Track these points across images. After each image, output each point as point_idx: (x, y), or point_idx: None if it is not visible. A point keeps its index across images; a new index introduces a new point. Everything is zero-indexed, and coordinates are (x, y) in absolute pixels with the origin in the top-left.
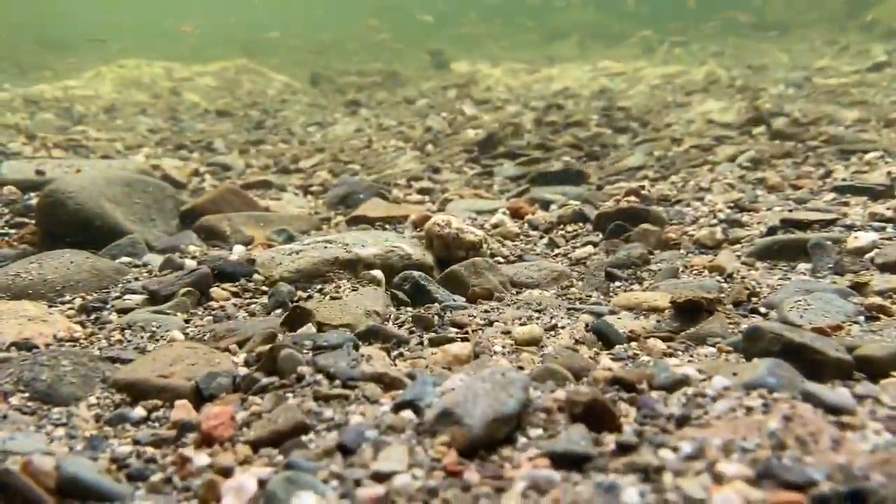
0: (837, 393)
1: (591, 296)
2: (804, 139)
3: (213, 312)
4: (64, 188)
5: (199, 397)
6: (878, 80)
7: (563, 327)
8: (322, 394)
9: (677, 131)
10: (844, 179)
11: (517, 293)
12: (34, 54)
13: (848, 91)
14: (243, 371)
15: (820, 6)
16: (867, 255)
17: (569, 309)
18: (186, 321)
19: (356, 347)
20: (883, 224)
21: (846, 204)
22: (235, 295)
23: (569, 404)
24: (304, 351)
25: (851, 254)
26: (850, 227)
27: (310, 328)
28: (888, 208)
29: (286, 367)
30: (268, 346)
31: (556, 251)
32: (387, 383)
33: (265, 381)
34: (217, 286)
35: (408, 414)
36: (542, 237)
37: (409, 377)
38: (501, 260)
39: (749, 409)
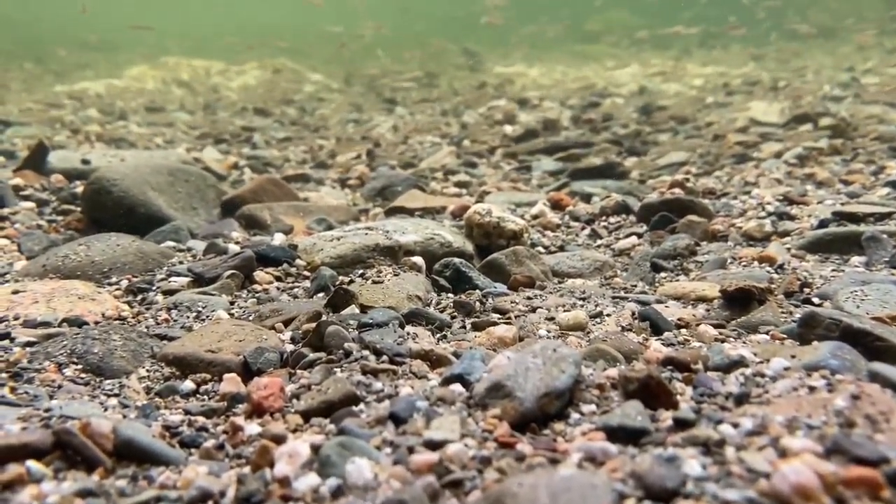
0: None
1: (636, 286)
2: (853, 137)
3: (257, 295)
4: (109, 176)
5: (248, 371)
6: None
7: (608, 315)
8: (370, 368)
9: (719, 129)
10: None
11: (559, 282)
12: (76, 54)
13: None
14: (290, 348)
15: (860, 11)
16: None
17: (613, 297)
18: (231, 303)
19: (402, 325)
20: None
21: None
22: (278, 279)
23: (622, 381)
24: (351, 329)
25: None
26: None
27: (353, 310)
28: None
29: (333, 342)
30: (314, 324)
31: (599, 242)
32: (433, 360)
33: (312, 356)
34: (260, 270)
35: (457, 387)
36: (583, 228)
37: (455, 356)
38: (542, 250)
39: (812, 389)
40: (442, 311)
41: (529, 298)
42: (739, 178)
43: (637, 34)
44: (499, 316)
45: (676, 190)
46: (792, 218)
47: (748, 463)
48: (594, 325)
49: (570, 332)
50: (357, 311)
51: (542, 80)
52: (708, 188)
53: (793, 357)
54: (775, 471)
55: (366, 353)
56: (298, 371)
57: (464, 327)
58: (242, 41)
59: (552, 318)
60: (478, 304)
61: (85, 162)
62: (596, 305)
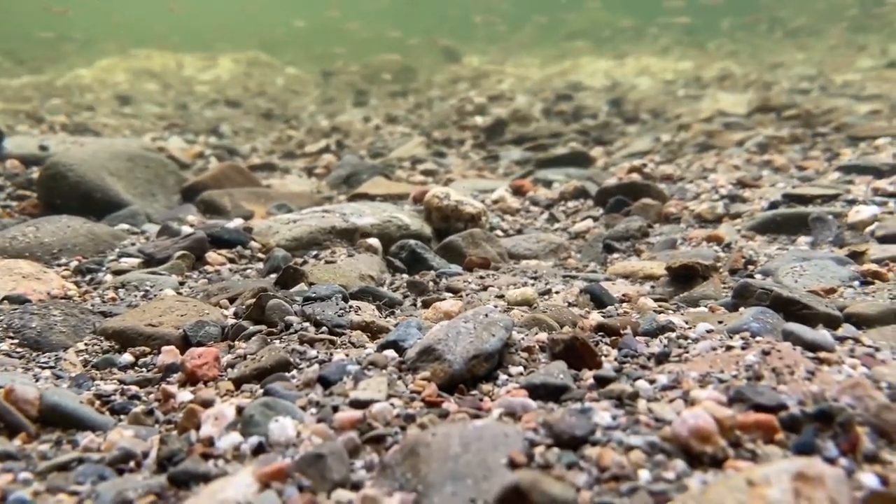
0: (817, 332)
1: (587, 266)
2: (814, 126)
3: (208, 275)
4: (65, 161)
5: (188, 344)
6: (894, 77)
7: (557, 292)
8: (308, 337)
9: (686, 120)
10: (850, 160)
11: (515, 263)
12: (46, 46)
13: (863, 86)
14: (232, 322)
15: (836, 10)
16: (868, 229)
17: (564, 276)
18: (181, 283)
19: (345, 299)
20: (885, 199)
21: (850, 182)
22: (231, 261)
23: (550, 343)
24: (295, 304)
25: (852, 227)
26: (853, 202)
27: (302, 287)
28: (890, 184)
29: (274, 315)
30: (256, 297)
31: (556, 225)
32: (374, 331)
33: (253, 328)
34: (213, 251)
35: (390, 353)
36: (542, 212)
37: (403, 322)
38: (500, 233)
39: (729, 348)
40: (395, 291)
41: (482, 278)
42: (699, 164)
43: (615, 29)
44: (450, 294)
45: (634, 175)
46: (744, 200)
47: (656, 413)
48: (542, 301)
49: (517, 307)
50: (306, 288)
51: (518, 74)
52: (666, 174)
53: (720, 323)
54: (679, 418)
55: (306, 324)
56: (237, 343)
57: (414, 305)
58: (219, 34)
59: (502, 296)
60: (431, 283)
61: (42, 148)
62: (546, 284)
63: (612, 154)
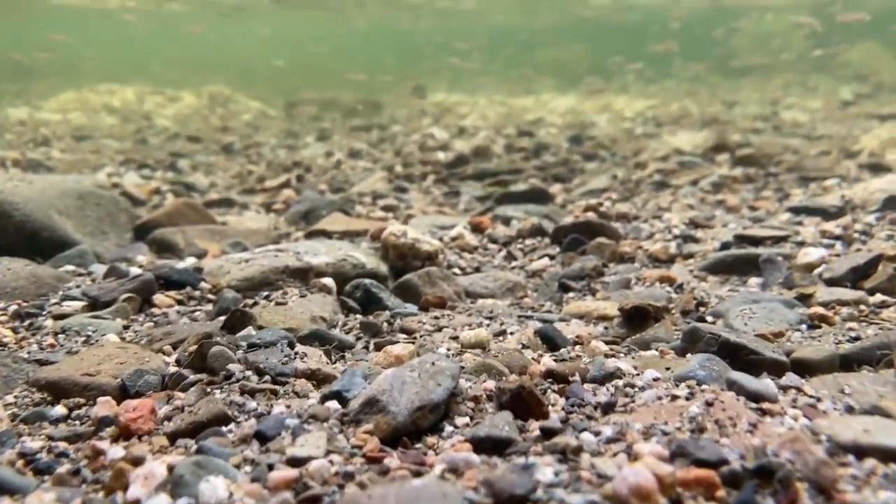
0: (761, 382)
1: (543, 305)
2: (766, 167)
3: (155, 318)
4: (10, 199)
5: (125, 394)
6: (843, 118)
7: (511, 333)
8: (249, 388)
9: (643, 158)
10: (800, 201)
11: (472, 303)
12: (4, 81)
13: (814, 126)
14: (173, 370)
15: (791, 51)
16: (816, 271)
17: (520, 317)
18: (125, 327)
19: (291, 346)
20: (832, 241)
21: (800, 223)
22: (180, 303)
23: (497, 392)
24: (239, 350)
25: (801, 269)
26: (801, 244)
27: (250, 331)
28: (837, 226)
29: (216, 364)
30: (198, 344)
31: (514, 263)
32: (320, 379)
33: (193, 377)
34: (162, 293)
35: (333, 404)
36: (500, 250)
37: (347, 371)
38: (458, 271)
39: (674, 398)
40: (348, 333)
41: (437, 318)
42: (654, 203)
43: (579, 67)
44: (405, 336)
45: (590, 214)
46: (696, 241)
47: (599, 469)
48: (496, 342)
49: (470, 350)
50: (254, 332)
51: (483, 110)
52: (621, 212)
53: (667, 369)
54: (620, 474)
55: (249, 373)
56: (176, 393)
57: (366, 348)
58: (183, 71)
59: (456, 337)
60: (385, 324)
61: None
62: (501, 324)
63: (570, 191)
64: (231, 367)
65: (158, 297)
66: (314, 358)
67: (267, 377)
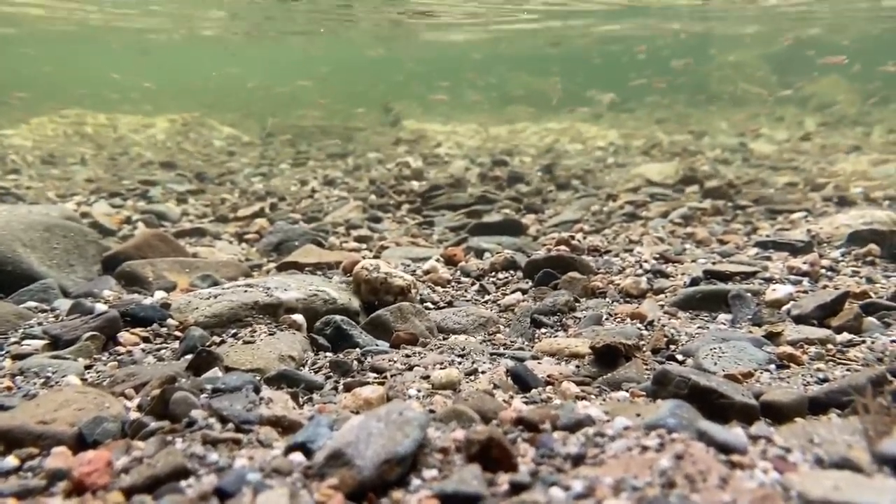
0: (731, 432)
1: (515, 342)
2: (734, 199)
3: (119, 358)
4: None
5: (83, 444)
6: (809, 149)
7: (483, 372)
8: (211, 437)
9: (615, 188)
10: (768, 236)
11: (444, 338)
12: None
13: (781, 157)
14: (134, 416)
15: (758, 81)
16: (784, 308)
17: (492, 354)
18: (88, 367)
19: (256, 390)
20: (799, 277)
21: (768, 258)
22: (146, 340)
23: (466, 444)
24: (204, 395)
25: (770, 305)
26: (769, 280)
27: (216, 373)
28: (804, 262)
29: (179, 410)
30: (160, 389)
31: (487, 297)
32: (285, 427)
33: (154, 425)
34: (127, 331)
35: (297, 457)
36: (473, 284)
37: (311, 420)
38: (431, 306)
39: (644, 449)
40: (317, 372)
41: (408, 356)
42: (625, 236)
43: (553, 96)
44: (375, 375)
45: (562, 247)
46: (667, 276)
47: None
48: (468, 382)
49: (441, 391)
50: (220, 374)
51: (457, 138)
52: (593, 245)
53: (637, 416)
54: None
55: (212, 420)
56: (136, 442)
57: (335, 389)
58: (158, 96)
59: (427, 377)
60: (356, 363)
61: None
62: (473, 363)
63: (543, 222)
64: (194, 413)
65: (124, 335)
66: (280, 403)
67: (230, 425)
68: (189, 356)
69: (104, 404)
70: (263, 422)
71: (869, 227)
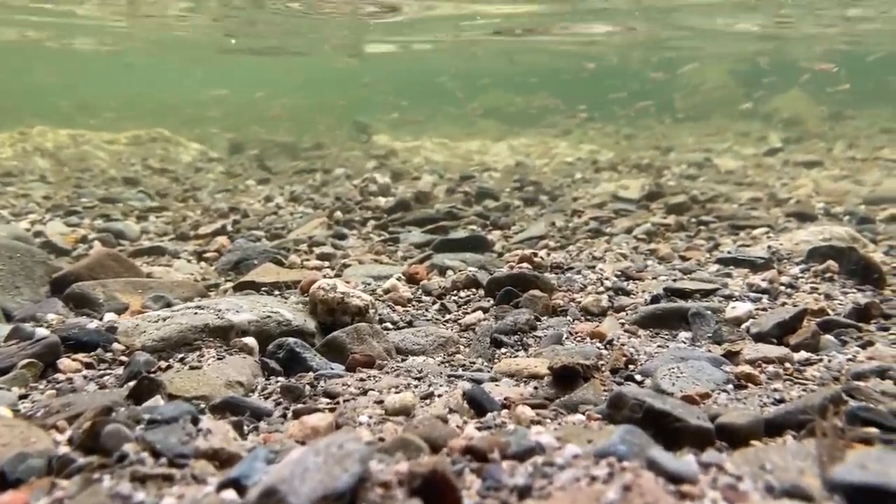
0: (681, 461)
1: (475, 362)
2: (698, 214)
3: (58, 386)
4: None
5: (4, 482)
6: (773, 164)
7: (439, 395)
8: (141, 474)
9: (581, 204)
10: (729, 252)
11: (402, 360)
12: None
13: (745, 173)
14: (64, 450)
15: (724, 98)
16: (743, 325)
17: (450, 376)
18: (23, 396)
19: (195, 421)
20: (759, 295)
21: (729, 275)
22: (89, 367)
23: (409, 477)
24: (140, 426)
25: (729, 323)
26: (729, 297)
27: (158, 401)
28: (763, 279)
29: (110, 444)
30: (92, 421)
31: (448, 317)
32: (223, 460)
33: (82, 461)
34: (68, 357)
35: (229, 494)
36: (434, 303)
37: (250, 452)
38: (391, 326)
39: (593, 479)
40: (267, 398)
41: (363, 380)
42: (588, 252)
43: (523, 114)
44: (328, 401)
45: (524, 264)
46: (628, 293)
47: None
48: (423, 406)
49: (393, 418)
50: (162, 402)
51: (426, 153)
52: (556, 262)
53: (589, 442)
54: None
55: (144, 455)
56: (60, 481)
57: (284, 416)
58: (123, 112)
59: (381, 401)
60: (308, 387)
61: None
62: (429, 385)
63: (509, 238)
64: (126, 447)
65: (64, 362)
66: (219, 435)
67: (163, 459)
68: (132, 383)
69: (31, 439)
70: (199, 455)
71: (828, 244)
